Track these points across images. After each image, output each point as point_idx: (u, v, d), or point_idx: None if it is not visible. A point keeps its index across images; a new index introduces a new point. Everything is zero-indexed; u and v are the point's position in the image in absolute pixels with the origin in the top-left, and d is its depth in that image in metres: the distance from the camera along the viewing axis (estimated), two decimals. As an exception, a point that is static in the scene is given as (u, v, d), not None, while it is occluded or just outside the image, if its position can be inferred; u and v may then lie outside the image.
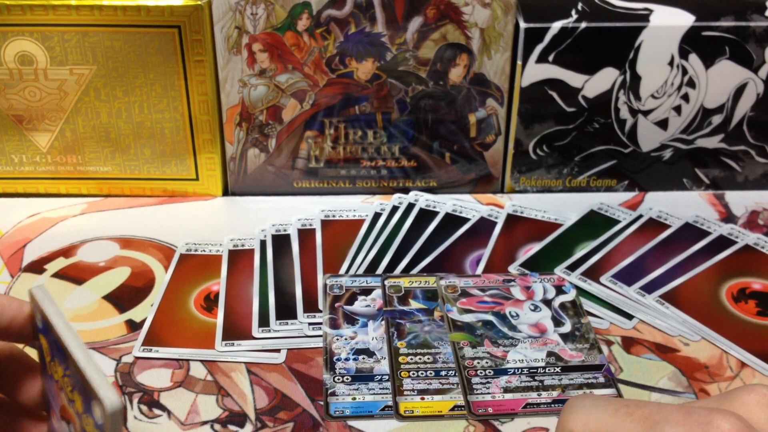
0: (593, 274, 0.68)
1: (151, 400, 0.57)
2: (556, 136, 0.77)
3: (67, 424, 0.41)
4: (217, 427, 0.55)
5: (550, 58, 0.73)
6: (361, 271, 0.69)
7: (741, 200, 0.78)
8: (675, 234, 0.73)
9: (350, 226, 0.74)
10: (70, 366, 0.38)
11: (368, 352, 0.61)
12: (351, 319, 0.64)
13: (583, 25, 0.72)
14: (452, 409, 0.56)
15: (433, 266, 0.70)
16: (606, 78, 0.74)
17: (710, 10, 0.73)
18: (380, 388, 0.58)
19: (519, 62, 0.73)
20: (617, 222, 0.75)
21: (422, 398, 0.57)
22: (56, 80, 0.73)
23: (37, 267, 0.70)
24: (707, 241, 0.72)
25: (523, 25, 0.72)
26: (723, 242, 0.72)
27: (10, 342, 0.44)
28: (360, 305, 0.65)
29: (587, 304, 0.66)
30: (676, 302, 0.65)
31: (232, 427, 0.55)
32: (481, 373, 0.59)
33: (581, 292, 0.67)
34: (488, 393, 0.57)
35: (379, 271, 0.69)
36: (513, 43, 0.72)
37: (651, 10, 0.73)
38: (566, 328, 0.63)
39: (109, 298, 0.67)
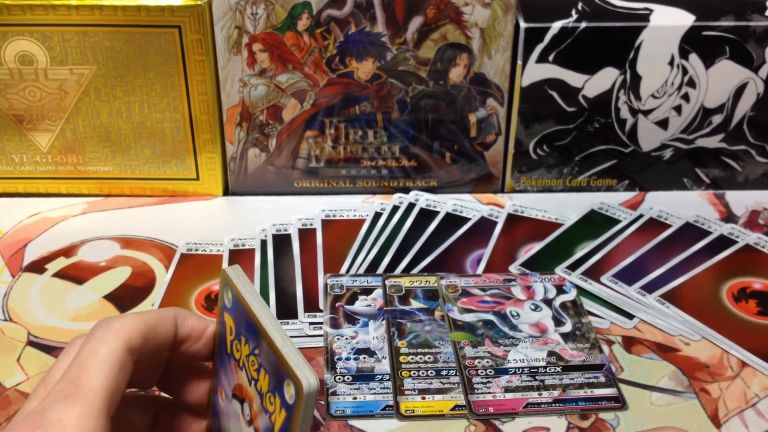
0: (594, 273, 0.68)
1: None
2: (556, 135, 0.77)
3: (240, 403, 0.41)
4: (218, 426, 0.55)
5: (551, 57, 0.73)
6: (361, 270, 0.69)
7: (741, 200, 0.78)
8: (675, 234, 0.73)
9: (351, 225, 0.74)
10: (262, 345, 0.38)
11: (369, 352, 0.61)
12: (352, 318, 0.64)
13: (583, 25, 0.72)
14: (453, 409, 0.56)
15: (434, 266, 0.70)
16: (606, 78, 0.74)
17: (710, 10, 0.73)
18: (381, 388, 0.58)
19: (519, 62, 0.73)
20: (618, 222, 0.75)
21: (423, 398, 0.57)
22: (56, 80, 0.73)
23: (37, 267, 0.70)
24: (708, 241, 0.72)
25: (523, 25, 0.72)
26: (723, 242, 0.72)
27: (189, 356, 0.44)
28: (361, 305, 0.65)
29: (588, 304, 0.66)
30: (676, 302, 0.65)
31: (233, 427, 0.55)
32: (481, 372, 0.59)
33: (582, 291, 0.67)
34: (489, 392, 0.57)
35: (380, 270, 0.69)
36: (513, 42, 0.72)
37: (651, 10, 0.73)
38: (567, 327, 0.63)
39: (110, 297, 0.67)
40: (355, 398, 0.57)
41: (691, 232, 0.73)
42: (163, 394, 0.47)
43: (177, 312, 0.43)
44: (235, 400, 0.42)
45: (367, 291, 0.66)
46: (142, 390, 0.46)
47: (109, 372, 0.37)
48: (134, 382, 0.43)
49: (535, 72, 0.73)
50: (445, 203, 0.77)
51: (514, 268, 0.69)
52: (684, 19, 0.72)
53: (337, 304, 0.65)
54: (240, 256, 0.70)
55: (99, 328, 0.39)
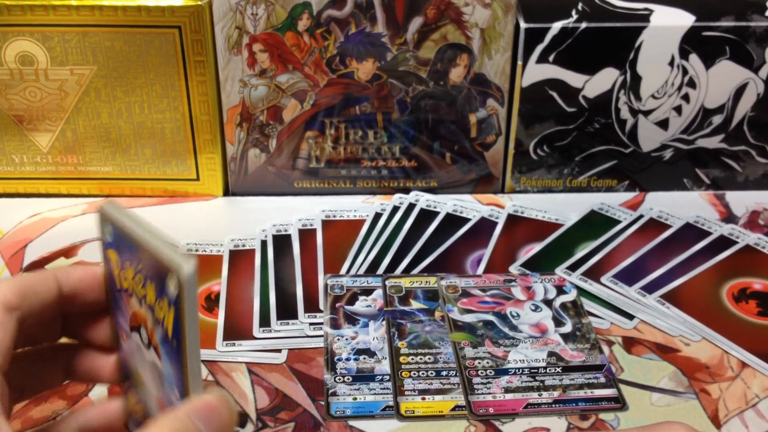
0: (594, 274, 0.68)
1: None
2: (556, 136, 0.77)
3: (138, 332, 0.42)
4: (218, 427, 0.55)
5: (551, 58, 0.73)
6: (361, 271, 0.69)
7: (741, 200, 0.78)
8: (675, 234, 0.73)
9: (351, 226, 0.74)
10: (143, 256, 0.39)
11: (369, 352, 0.61)
12: (352, 319, 0.64)
13: (584, 25, 0.72)
14: (453, 409, 0.56)
15: (434, 266, 0.70)
16: (606, 78, 0.74)
17: (710, 10, 0.73)
18: (381, 388, 0.58)
19: (519, 62, 0.73)
20: (618, 222, 0.75)
21: (423, 398, 0.57)
22: (57, 80, 0.73)
23: (38, 267, 0.70)
24: (708, 241, 0.72)
25: (523, 25, 0.72)
26: (723, 242, 0.72)
27: (89, 306, 0.45)
28: (361, 305, 0.65)
29: (588, 304, 0.66)
30: (676, 302, 0.65)
31: (233, 428, 0.55)
32: (482, 373, 0.59)
33: (582, 292, 0.67)
34: (489, 393, 0.57)
35: (380, 271, 0.69)
36: (513, 43, 0.72)
37: (651, 10, 0.73)
38: (567, 328, 0.63)
39: (110, 298, 0.67)
40: (355, 399, 0.57)
41: (691, 232, 0.73)
42: (66, 340, 0.48)
43: (57, 270, 0.44)
44: (133, 332, 0.42)
45: (368, 291, 0.66)
46: (48, 342, 0.47)
47: None
48: (35, 339, 0.45)
49: (535, 72, 0.73)
50: (445, 204, 0.77)
51: (514, 269, 0.69)
52: (684, 20, 0.72)
53: (338, 305, 0.65)
54: (240, 257, 0.70)
55: None
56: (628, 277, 0.68)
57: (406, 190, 0.79)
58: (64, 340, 0.47)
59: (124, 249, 0.41)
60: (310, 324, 0.63)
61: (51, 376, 0.47)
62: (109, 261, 0.44)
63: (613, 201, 0.78)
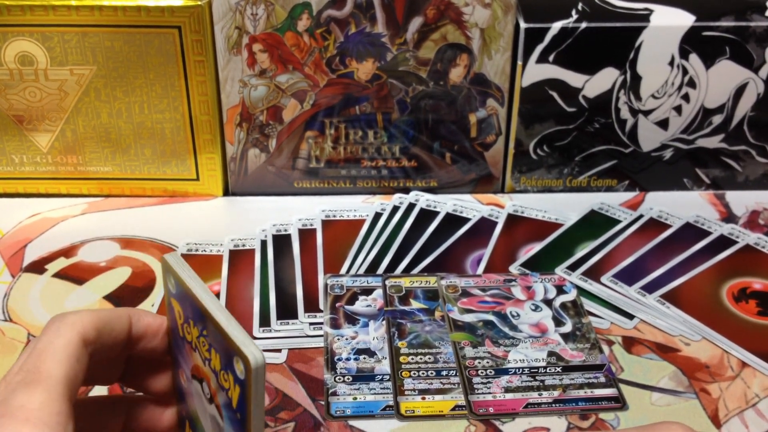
0: (594, 273, 0.68)
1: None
2: (556, 136, 0.77)
3: (199, 383, 0.42)
4: (218, 427, 0.55)
5: (551, 58, 0.73)
6: (361, 271, 0.69)
7: (741, 200, 0.78)
8: (675, 234, 0.73)
9: (351, 226, 0.74)
10: (209, 326, 0.39)
11: (369, 352, 0.61)
12: (352, 319, 0.64)
13: (584, 25, 0.72)
14: (453, 409, 0.56)
15: (434, 266, 0.70)
16: (606, 78, 0.74)
17: (710, 10, 0.73)
18: (381, 388, 0.58)
19: (519, 62, 0.73)
20: (618, 222, 0.75)
21: (423, 398, 0.57)
22: (56, 80, 0.73)
23: (37, 267, 0.70)
24: (708, 241, 0.72)
25: (523, 25, 0.72)
26: (723, 242, 0.72)
27: (147, 352, 0.45)
28: (361, 305, 0.65)
29: (588, 304, 0.66)
30: (676, 302, 0.65)
31: (233, 427, 0.55)
32: (482, 372, 0.59)
33: (582, 291, 0.67)
34: (489, 393, 0.57)
35: (380, 271, 0.69)
36: (513, 43, 0.72)
37: (651, 10, 0.73)
38: (567, 327, 0.63)
39: (110, 298, 0.67)
40: (355, 398, 0.57)
41: (691, 232, 0.73)
42: (131, 390, 0.47)
43: (131, 310, 0.44)
44: (195, 380, 0.43)
45: (367, 291, 0.66)
46: (105, 385, 0.47)
47: (66, 361, 0.38)
48: (95, 378, 0.44)
49: (535, 72, 0.73)
50: (445, 203, 0.77)
51: (514, 269, 0.69)
52: (684, 20, 0.72)
53: (338, 305, 0.65)
54: (240, 257, 0.70)
55: (54, 322, 0.40)
56: (628, 276, 0.68)
57: (406, 190, 0.79)
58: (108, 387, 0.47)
59: (187, 306, 0.42)
60: (310, 324, 0.63)
61: (113, 425, 0.46)
62: (172, 309, 0.44)
63: (613, 201, 0.78)
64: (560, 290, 0.67)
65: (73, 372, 0.38)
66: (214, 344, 0.39)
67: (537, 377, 0.59)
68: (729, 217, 0.76)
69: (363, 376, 0.59)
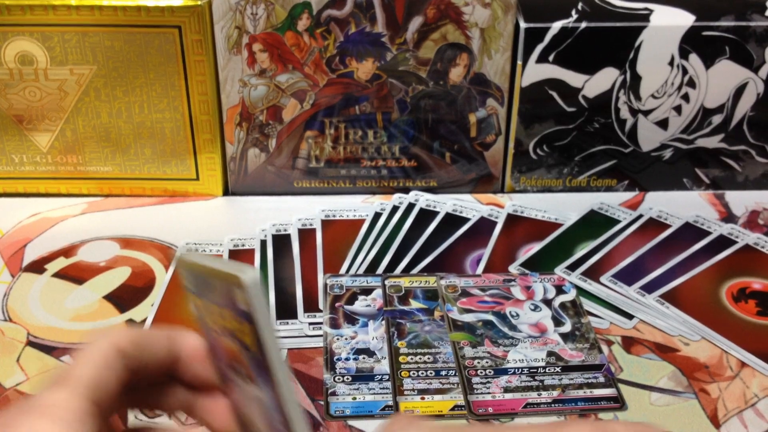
0: (593, 273, 0.68)
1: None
2: (556, 136, 0.77)
3: (236, 372, 0.41)
4: (217, 426, 0.55)
5: (551, 58, 0.73)
6: (361, 270, 0.69)
7: (741, 200, 0.78)
8: (675, 234, 0.73)
9: (350, 225, 0.74)
10: (214, 284, 0.38)
11: (368, 352, 0.61)
12: (351, 318, 0.64)
13: (583, 25, 0.72)
14: (452, 409, 0.56)
15: (434, 266, 0.70)
16: (606, 78, 0.74)
17: (710, 10, 0.73)
18: (380, 388, 0.58)
19: (519, 62, 0.73)
20: (617, 222, 0.75)
21: (422, 398, 0.57)
22: (56, 80, 0.73)
23: (37, 267, 0.70)
24: (707, 241, 0.72)
25: (523, 25, 0.72)
26: (723, 242, 0.72)
27: (193, 377, 0.43)
28: (360, 305, 0.65)
29: (587, 304, 0.66)
30: (676, 302, 0.65)
31: (232, 427, 0.55)
32: (481, 372, 0.59)
33: (581, 291, 0.67)
34: (488, 393, 0.57)
35: (380, 270, 0.69)
36: (513, 43, 0.72)
37: (651, 10, 0.73)
38: (566, 327, 0.63)
39: (110, 297, 0.67)
40: (354, 398, 0.57)
41: (690, 232, 0.73)
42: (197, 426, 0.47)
43: (173, 331, 0.43)
44: (234, 374, 0.42)
45: (367, 291, 0.66)
46: (155, 409, 0.46)
47: (94, 365, 0.38)
48: (141, 400, 0.43)
49: (535, 72, 0.73)
50: (445, 203, 0.77)
51: (513, 269, 0.69)
52: (684, 19, 0.72)
53: (337, 305, 0.65)
54: (240, 256, 0.70)
55: (93, 338, 0.40)
56: (628, 276, 0.68)
57: (406, 190, 0.79)
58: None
59: (203, 289, 0.40)
60: (310, 324, 0.63)
61: None
62: (196, 308, 0.42)
63: (612, 201, 0.78)
64: (560, 290, 0.67)
65: (101, 376, 0.38)
66: (222, 302, 0.38)
67: (536, 377, 0.59)
68: (728, 217, 0.76)
69: (362, 376, 0.59)
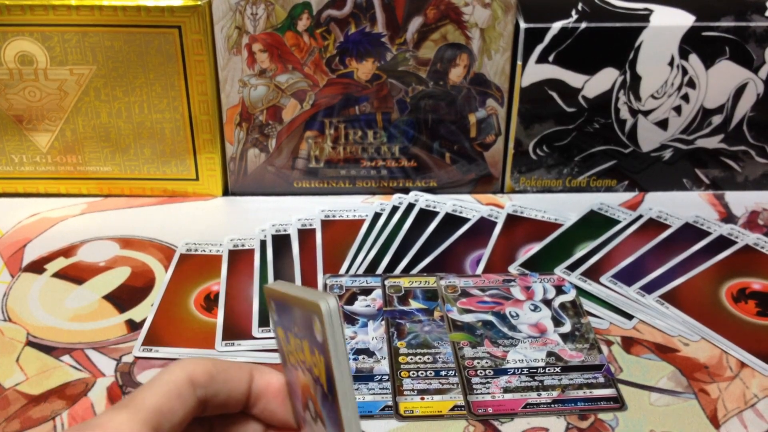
0: (593, 274, 0.68)
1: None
2: (556, 136, 0.77)
3: (309, 410, 0.40)
4: (217, 426, 0.55)
5: (551, 58, 0.73)
6: (361, 271, 0.69)
7: (741, 200, 0.78)
8: (675, 234, 0.73)
9: (350, 226, 0.74)
10: (294, 313, 0.37)
11: (368, 352, 0.61)
12: (351, 318, 0.64)
13: (583, 25, 0.72)
14: (452, 409, 0.56)
15: (433, 266, 0.70)
16: (606, 78, 0.74)
17: (710, 10, 0.73)
18: (380, 388, 0.58)
19: (519, 62, 0.73)
20: (617, 222, 0.75)
21: (422, 398, 0.57)
22: (56, 80, 0.73)
23: (37, 267, 0.70)
24: (707, 241, 0.72)
25: (523, 25, 0.72)
26: (723, 242, 0.72)
27: (268, 414, 0.42)
28: (360, 305, 0.65)
29: (587, 304, 0.66)
30: (676, 302, 0.65)
31: (232, 427, 0.55)
32: (481, 373, 0.59)
33: (581, 292, 0.67)
34: (488, 393, 0.57)
35: (379, 271, 0.69)
36: (513, 43, 0.72)
37: (651, 11, 0.73)
38: (566, 328, 0.63)
39: (110, 297, 0.67)
40: (354, 398, 0.57)
41: (690, 232, 0.73)
42: None
43: (254, 367, 0.42)
44: (306, 412, 0.41)
45: (367, 291, 0.66)
46: None
47: (163, 394, 0.38)
48: (213, 431, 0.42)
49: (535, 72, 0.73)
50: (445, 203, 0.77)
51: (513, 269, 0.69)
52: (684, 20, 0.72)
53: (337, 305, 0.65)
54: (239, 257, 0.70)
55: (170, 364, 0.40)
56: (628, 277, 0.68)
57: (406, 190, 0.79)
58: None
59: (286, 320, 0.39)
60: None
61: None
62: (279, 342, 0.41)
63: (612, 201, 0.78)
64: (559, 290, 0.67)
65: (168, 405, 0.37)
66: (300, 333, 0.37)
67: (536, 377, 0.59)
68: (728, 217, 0.76)
69: (362, 376, 0.59)
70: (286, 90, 0.74)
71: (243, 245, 0.72)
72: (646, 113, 0.75)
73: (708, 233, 0.73)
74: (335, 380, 0.35)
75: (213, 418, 0.41)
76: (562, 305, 0.65)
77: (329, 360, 0.35)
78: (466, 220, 0.75)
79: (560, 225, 0.75)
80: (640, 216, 0.75)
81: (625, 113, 0.75)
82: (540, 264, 0.70)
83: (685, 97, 0.75)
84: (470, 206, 0.77)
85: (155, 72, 0.72)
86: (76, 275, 0.69)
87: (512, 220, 0.75)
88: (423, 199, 0.78)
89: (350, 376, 0.35)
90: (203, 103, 0.74)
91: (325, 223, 0.74)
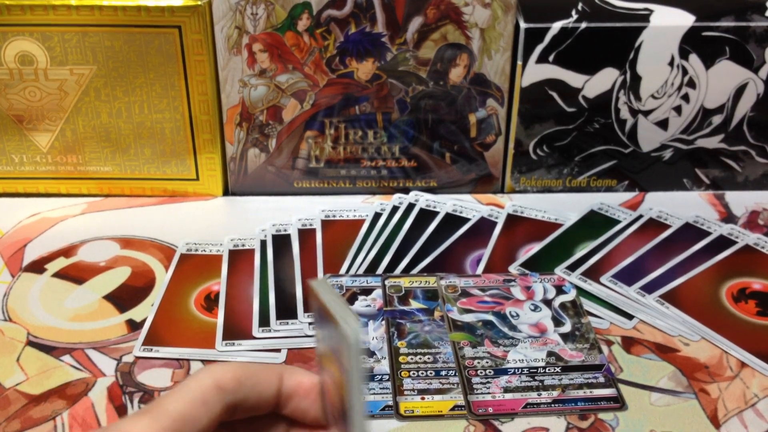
0: (593, 274, 0.68)
1: (151, 400, 0.57)
2: (556, 136, 0.77)
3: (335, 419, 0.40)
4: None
5: (551, 58, 0.73)
6: (361, 271, 0.69)
7: (741, 200, 0.78)
8: (675, 234, 0.73)
9: (350, 226, 0.74)
10: (327, 323, 0.37)
11: (368, 352, 0.61)
12: (351, 319, 0.64)
13: (584, 25, 0.72)
14: (452, 409, 0.56)
15: (434, 266, 0.70)
16: (606, 78, 0.74)
17: (710, 10, 0.73)
18: (380, 388, 0.58)
19: (519, 62, 0.73)
20: (617, 222, 0.75)
21: (422, 398, 0.57)
22: (56, 80, 0.73)
23: (37, 267, 0.70)
24: (707, 241, 0.72)
25: (523, 25, 0.72)
26: (723, 242, 0.72)
27: (299, 414, 0.42)
28: (360, 305, 0.65)
29: (587, 304, 0.66)
30: (676, 302, 0.65)
31: (232, 427, 0.55)
32: (481, 372, 0.59)
33: (581, 292, 0.67)
34: (488, 393, 0.57)
35: (380, 271, 0.69)
36: (513, 43, 0.72)
37: (651, 10, 0.73)
38: (566, 328, 0.63)
39: (110, 297, 0.67)
40: (354, 398, 0.57)
41: (690, 232, 0.73)
42: None
43: (284, 368, 0.42)
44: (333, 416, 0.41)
45: (367, 291, 0.66)
46: None
47: (188, 400, 0.37)
48: None
49: (535, 72, 0.73)
50: (445, 203, 0.77)
51: (513, 269, 0.69)
52: (684, 20, 0.72)
53: (337, 305, 0.65)
54: (240, 256, 0.70)
55: (199, 370, 0.39)
56: (628, 276, 0.68)
57: (406, 190, 0.79)
58: None
59: (322, 326, 0.39)
60: (310, 324, 0.63)
61: None
62: (317, 340, 0.41)
63: (612, 201, 0.78)
64: (560, 290, 0.67)
65: (193, 412, 0.37)
66: (332, 345, 0.37)
67: (536, 377, 0.59)
68: (728, 217, 0.76)
69: (362, 376, 0.59)
70: (287, 90, 0.74)
71: (243, 245, 0.72)
72: (647, 113, 0.75)
73: (708, 233, 0.73)
74: (351, 408, 0.36)
75: (241, 420, 0.40)
76: (563, 305, 0.65)
77: (350, 388, 0.35)
78: (466, 220, 0.75)
79: (560, 225, 0.75)
80: (640, 216, 0.75)
81: (625, 113, 0.75)
82: (540, 264, 0.70)
83: (686, 97, 0.75)
84: (470, 206, 0.77)
85: (155, 72, 0.72)
86: (77, 275, 0.69)
87: (512, 220, 0.75)
88: (423, 199, 0.78)
89: (364, 405, 0.36)
90: (203, 103, 0.74)
91: (326, 223, 0.74)
